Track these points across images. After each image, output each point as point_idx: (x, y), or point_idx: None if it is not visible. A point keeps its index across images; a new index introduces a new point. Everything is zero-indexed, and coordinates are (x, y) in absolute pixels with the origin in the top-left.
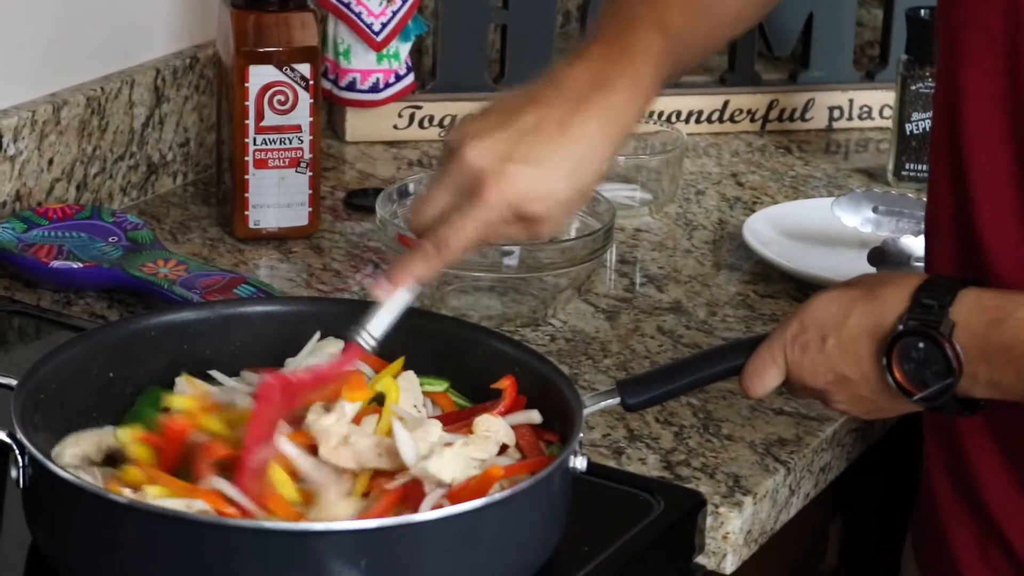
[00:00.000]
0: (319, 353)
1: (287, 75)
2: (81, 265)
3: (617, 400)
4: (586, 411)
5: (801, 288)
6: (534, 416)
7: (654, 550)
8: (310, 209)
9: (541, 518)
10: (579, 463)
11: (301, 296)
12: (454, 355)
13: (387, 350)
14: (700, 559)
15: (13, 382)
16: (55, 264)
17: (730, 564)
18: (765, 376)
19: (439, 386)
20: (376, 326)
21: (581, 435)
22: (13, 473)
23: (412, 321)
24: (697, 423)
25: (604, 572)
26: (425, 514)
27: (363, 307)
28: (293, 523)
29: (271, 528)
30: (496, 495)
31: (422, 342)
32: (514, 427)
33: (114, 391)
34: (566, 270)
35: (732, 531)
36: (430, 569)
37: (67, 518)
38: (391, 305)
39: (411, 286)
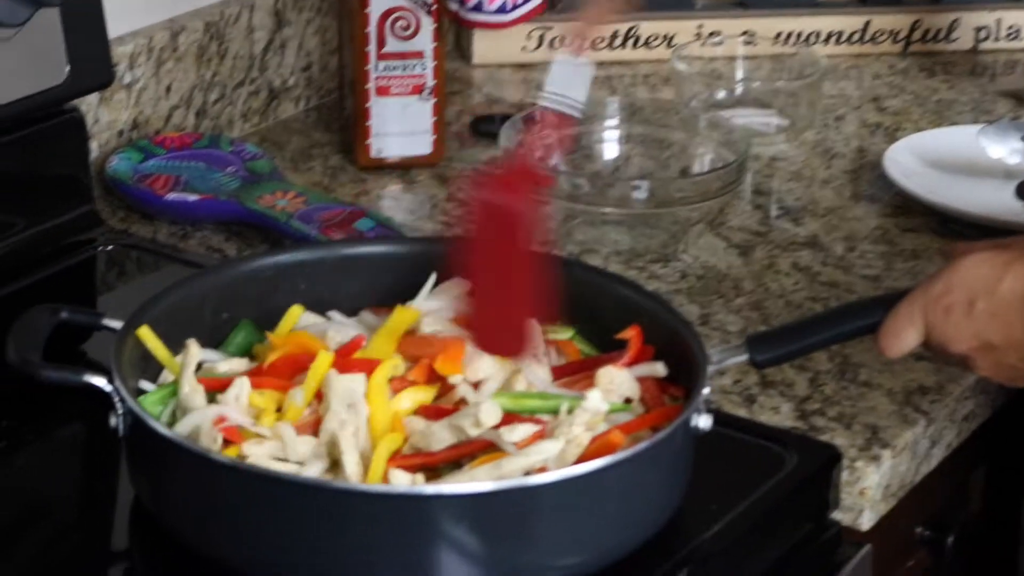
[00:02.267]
0: (441, 296)
1: (408, 0)
2: (197, 197)
3: (745, 357)
4: (712, 368)
5: (944, 222)
6: (658, 369)
7: (786, 508)
8: (434, 137)
9: (661, 479)
10: (702, 421)
11: (422, 236)
12: (580, 301)
13: None
14: (835, 514)
15: (119, 325)
16: (170, 196)
17: (867, 520)
18: (903, 337)
19: (564, 334)
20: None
21: (706, 391)
22: (112, 421)
23: None
24: (833, 368)
25: (732, 531)
26: (542, 477)
27: None
28: (406, 488)
29: (381, 492)
30: (612, 457)
31: None
32: (638, 379)
33: (227, 332)
34: (698, 205)
35: (869, 486)
36: (546, 533)
37: (164, 476)
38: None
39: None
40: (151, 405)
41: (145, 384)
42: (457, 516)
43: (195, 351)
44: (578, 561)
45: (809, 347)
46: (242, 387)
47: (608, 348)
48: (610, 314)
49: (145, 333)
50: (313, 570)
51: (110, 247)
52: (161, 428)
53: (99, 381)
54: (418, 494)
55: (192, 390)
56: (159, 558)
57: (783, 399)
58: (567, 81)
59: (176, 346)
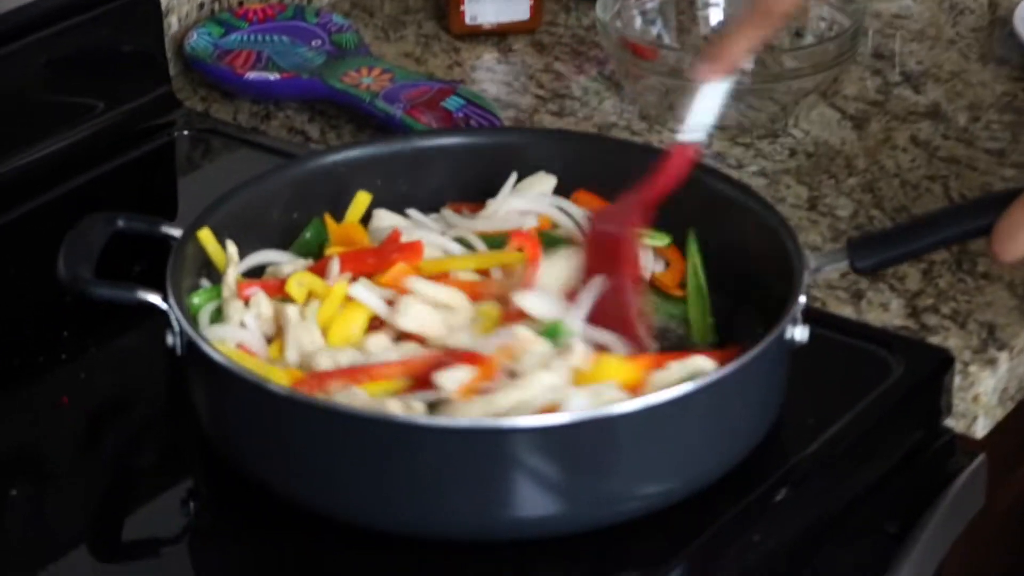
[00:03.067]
0: (525, 193)
1: None
2: (278, 76)
3: (845, 262)
4: (809, 274)
5: None
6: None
7: (892, 418)
8: (531, 2)
9: (753, 400)
10: (798, 333)
11: (505, 128)
12: (672, 197)
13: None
14: (947, 422)
15: (178, 232)
16: (251, 76)
17: (981, 427)
18: (1020, 238)
19: (661, 240)
20: (702, 116)
21: (802, 300)
22: (169, 339)
23: (625, 156)
24: (950, 258)
25: (833, 447)
26: (624, 405)
27: (575, 139)
28: (479, 420)
29: (452, 427)
30: (698, 382)
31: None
32: None
33: (298, 233)
34: (811, 77)
35: (984, 391)
36: (629, 462)
37: (219, 402)
38: (709, 93)
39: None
40: (198, 304)
41: (207, 283)
42: (537, 449)
43: (234, 252)
44: (664, 489)
45: (915, 251)
46: (259, 303)
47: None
48: (705, 211)
49: (205, 236)
50: (377, 506)
51: (187, 131)
52: (214, 353)
53: (154, 298)
54: (495, 428)
55: (231, 295)
56: (221, 486)
57: (893, 294)
58: (705, 108)
59: (245, 252)
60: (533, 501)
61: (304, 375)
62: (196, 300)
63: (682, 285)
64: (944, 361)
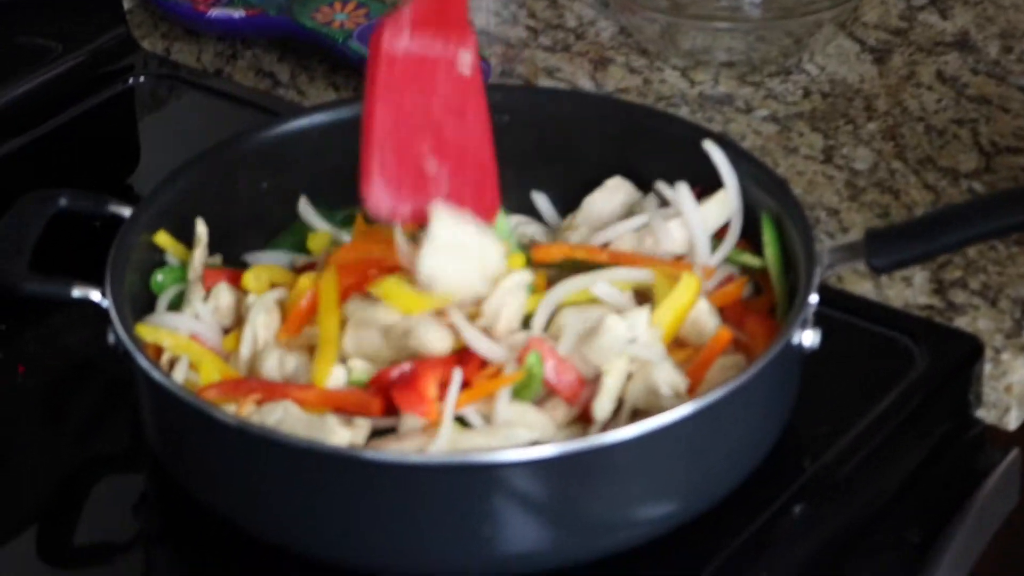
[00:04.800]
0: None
1: None
2: (243, 13)
3: (861, 261)
4: (820, 272)
5: None
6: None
7: (916, 416)
8: None
9: (757, 414)
10: (807, 338)
11: (498, 85)
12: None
13: (575, 153)
14: (978, 413)
15: (127, 212)
16: (214, 13)
17: (1014, 419)
18: None
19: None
20: None
21: (813, 300)
22: (111, 338)
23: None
24: None
25: (852, 452)
26: (607, 436)
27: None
28: (455, 456)
29: (434, 463)
30: (688, 406)
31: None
32: None
33: (270, 204)
34: (829, 9)
35: (1017, 380)
36: (618, 492)
37: (156, 416)
38: None
39: None
40: (162, 283)
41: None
42: (524, 482)
43: (202, 233)
44: (662, 514)
45: (940, 249)
46: (220, 293)
47: None
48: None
49: (161, 237)
50: (347, 544)
51: (146, 78)
52: (153, 371)
53: (93, 295)
54: (479, 463)
55: (195, 279)
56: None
57: (917, 266)
58: None
59: (212, 226)
60: (521, 536)
61: (229, 379)
62: (160, 278)
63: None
64: (973, 350)
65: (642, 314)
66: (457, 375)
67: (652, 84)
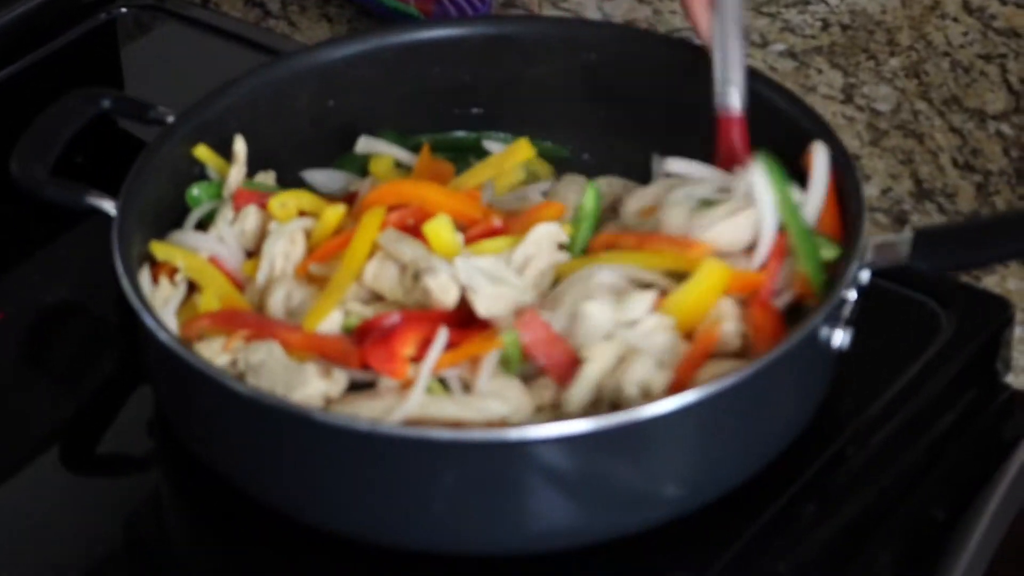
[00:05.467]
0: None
1: None
2: None
3: (904, 260)
4: (856, 267)
5: None
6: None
7: (943, 385)
8: None
9: (778, 405)
10: (837, 337)
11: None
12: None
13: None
14: (1008, 378)
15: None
16: None
17: None
18: None
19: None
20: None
21: (850, 296)
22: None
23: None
24: (1008, 166)
25: (876, 428)
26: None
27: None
28: (482, 432)
29: (464, 440)
30: (704, 389)
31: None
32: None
33: (339, 123)
34: None
35: None
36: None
37: (167, 383)
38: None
39: None
40: (198, 198)
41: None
42: (554, 458)
43: (241, 150)
44: (682, 495)
45: (995, 259)
46: (248, 216)
47: None
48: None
49: (201, 151)
50: (369, 520)
51: (124, 9)
52: (149, 320)
53: (105, 206)
54: (511, 440)
55: (228, 198)
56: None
57: (942, 217)
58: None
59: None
60: (550, 512)
61: (223, 310)
62: (196, 192)
63: None
64: (1003, 313)
65: (643, 299)
66: (442, 335)
67: (662, 15)
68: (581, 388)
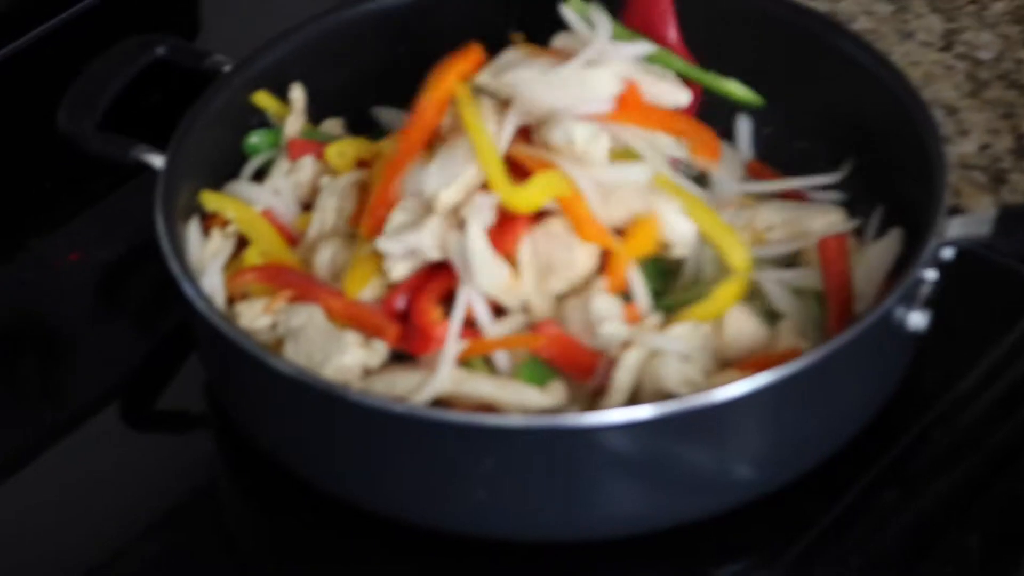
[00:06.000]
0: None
1: None
2: None
3: (987, 233)
4: (935, 244)
5: None
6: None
7: None
8: None
9: (853, 385)
10: (914, 320)
11: None
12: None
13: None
14: None
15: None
16: None
17: None
18: None
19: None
20: None
21: (930, 275)
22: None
23: None
24: None
25: (966, 405)
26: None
27: None
28: (562, 419)
29: (533, 426)
30: (772, 374)
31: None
32: None
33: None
34: None
35: None
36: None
37: (208, 346)
38: None
39: None
40: (256, 145)
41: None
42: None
43: (299, 98)
44: (752, 479)
45: None
46: (304, 167)
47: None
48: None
49: (261, 97)
50: (438, 506)
51: None
52: (189, 288)
53: (153, 159)
54: (579, 426)
55: (283, 149)
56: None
57: None
58: None
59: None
60: (618, 499)
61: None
62: (254, 140)
63: None
64: None
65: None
66: (462, 299)
67: None
68: (616, 398)
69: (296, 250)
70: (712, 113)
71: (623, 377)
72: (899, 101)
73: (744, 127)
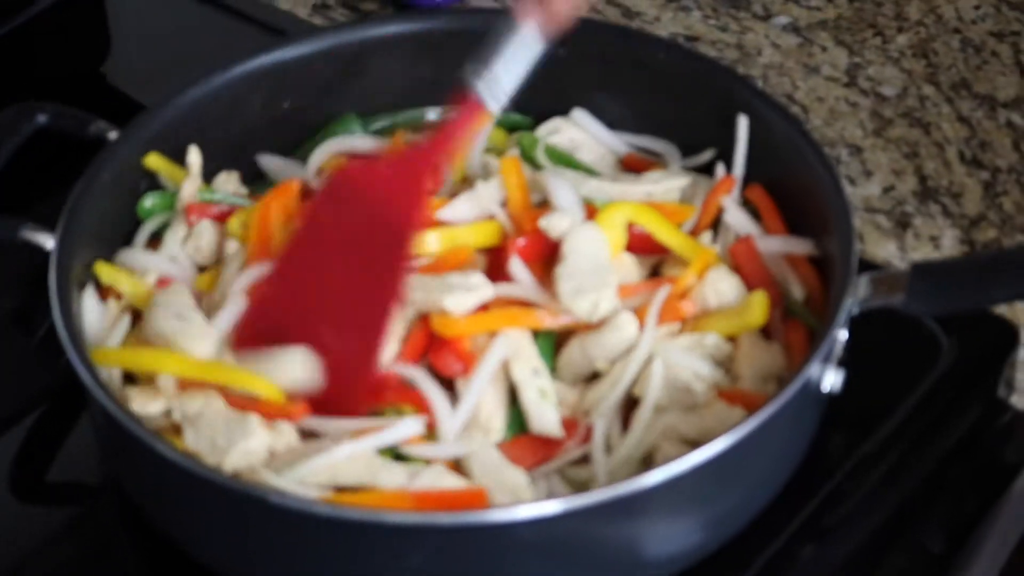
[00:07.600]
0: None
1: None
2: None
3: (900, 298)
4: (848, 304)
5: None
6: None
7: (943, 413)
8: None
9: (772, 454)
10: (829, 380)
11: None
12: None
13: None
14: (1013, 399)
15: (112, 135)
16: None
17: None
18: None
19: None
20: (507, 74)
21: (840, 335)
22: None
23: (612, 46)
24: (1017, 162)
25: (875, 460)
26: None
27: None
28: (473, 515)
29: (442, 524)
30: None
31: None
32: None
33: (297, 124)
34: None
35: None
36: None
37: (116, 451)
38: (524, 43)
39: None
40: (149, 209)
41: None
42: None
43: (195, 162)
44: (683, 550)
45: (995, 300)
46: (202, 232)
47: None
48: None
49: (153, 160)
50: None
51: None
52: (91, 379)
53: (45, 240)
54: (491, 523)
55: (181, 211)
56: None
57: (947, 221)
58: (512, 63)
59: (222, 152)
60: None
61: None
62: (148, 204)
63: None
64: (1007, 336)
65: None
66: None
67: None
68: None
69: (201, 306)
70: None
71: (600, 434)
72: (805, 160)
73: None
